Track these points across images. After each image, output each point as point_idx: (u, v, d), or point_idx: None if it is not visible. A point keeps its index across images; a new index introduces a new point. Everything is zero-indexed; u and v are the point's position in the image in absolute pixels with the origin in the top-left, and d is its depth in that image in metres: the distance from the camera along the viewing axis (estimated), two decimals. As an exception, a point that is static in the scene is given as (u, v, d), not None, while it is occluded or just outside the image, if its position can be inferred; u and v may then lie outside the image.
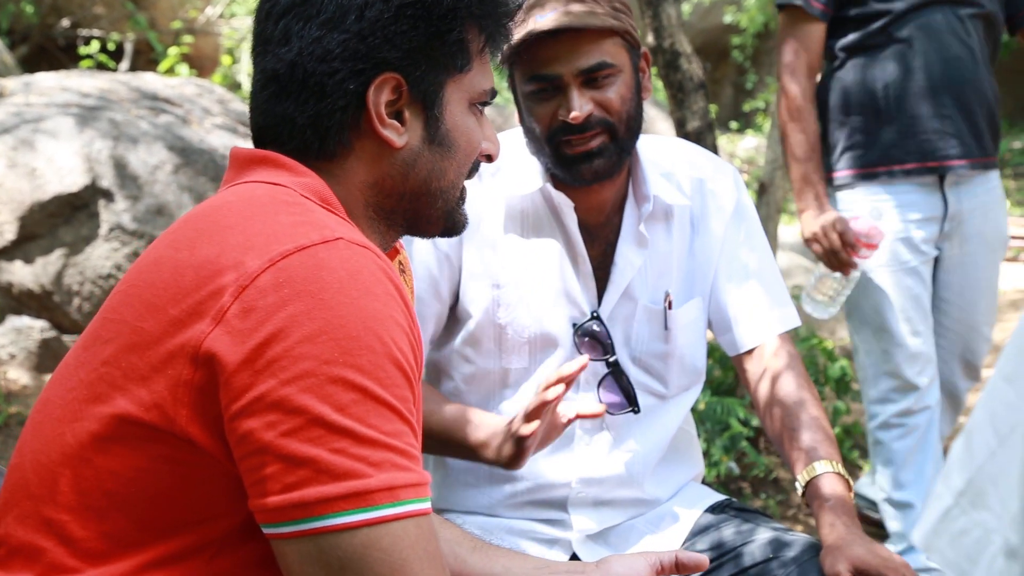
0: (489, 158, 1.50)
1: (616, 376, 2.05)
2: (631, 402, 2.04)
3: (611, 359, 2.04)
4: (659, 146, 2.16)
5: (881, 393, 3.33)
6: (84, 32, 8.35)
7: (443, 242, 2.04)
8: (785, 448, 2.04)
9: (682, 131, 3.70)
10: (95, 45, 7.39)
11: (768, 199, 4.29)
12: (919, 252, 3.25)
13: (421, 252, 2.05)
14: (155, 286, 1.24)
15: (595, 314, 2.04)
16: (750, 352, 2.15)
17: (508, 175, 2.07)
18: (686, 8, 12.59)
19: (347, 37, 1.32)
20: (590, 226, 2.08)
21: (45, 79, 5.53)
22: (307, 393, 1.14)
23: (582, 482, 2.08)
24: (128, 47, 8.64)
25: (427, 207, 1.44)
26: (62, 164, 4.75)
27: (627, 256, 2.07)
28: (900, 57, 3.18)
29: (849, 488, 1.94)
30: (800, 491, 1.97)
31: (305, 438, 1.14)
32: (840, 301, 3.24)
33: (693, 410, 4.00)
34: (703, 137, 3.68)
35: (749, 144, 12.73)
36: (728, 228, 2.14)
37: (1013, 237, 8.70)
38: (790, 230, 10.11)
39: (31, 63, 8.36)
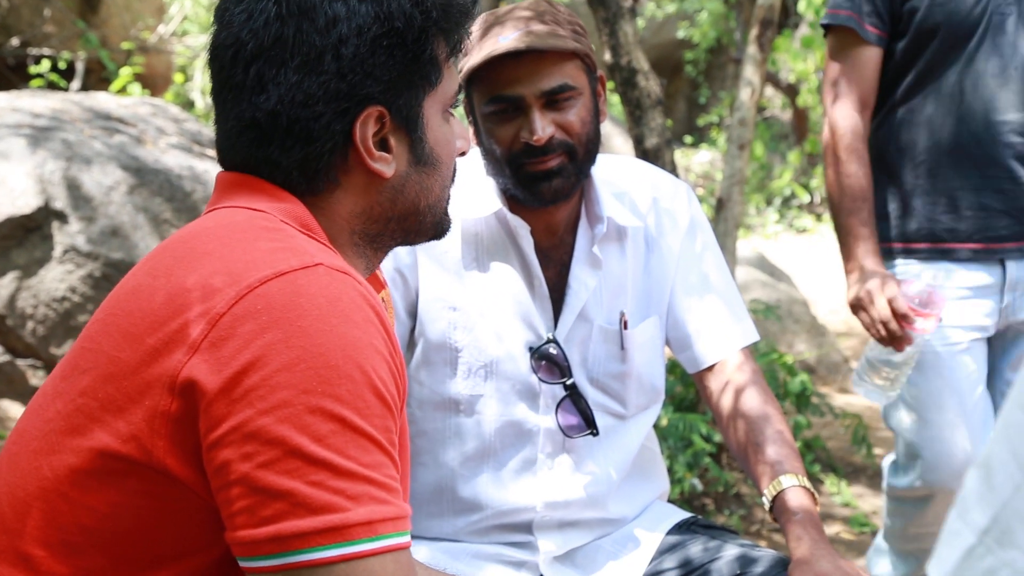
0: (463, 153, 1.50)
1: (574, 399, 2.04)
2: (589, 424, 2.04)
3: (568, 382, 2.04)
4: (612, 166, 2.16)
5: (905, 483, 2.85)
6: (34, 51, 8.24)
7: (400, 260, 2.03)
8: (750, 463, 2.04)
9: (640, 148, 3.71)
10: (45, 64, 7.30)
11: (726, 215, 4.31)
12: (973, 329, 2.73)
13: (383, 268, 2.04)
14: (132, 315, 1.22)
15: (551, 337, 2.03)
16: (711, 368, 2.15)
17: (463, 198, 2.05)
18: (639, 24, 12.65)
19: (327, 79, 1.30)
20: (544, 248, 2.07)
21: (-5, 100, 5.46)
22: (284, 423, 1.12)
23: (547, 506, 2.07)
24: (79, 66, 8.55)
25: (416, 224, 1.43)
26: (14, 186, 4.68)
27: (581, 278, 2.06)
28: (949, 108, 2.69)
29: (815, 502, 1.94)
30: (767, 505, 1.97)
31: (282, 470, 1.12)
32: (900, 383, 2.64)
33: (655, 427, 4.01)
34: (661, 153, 3.69)
35: (703, 159, 12.80)
36: (683, 245, 2.14)
37: None
38: (747, 243, 10.19)
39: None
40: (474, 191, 2.06)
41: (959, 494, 0.77)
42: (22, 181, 4.69)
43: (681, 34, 12.80)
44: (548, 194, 1.98)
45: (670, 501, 4.00)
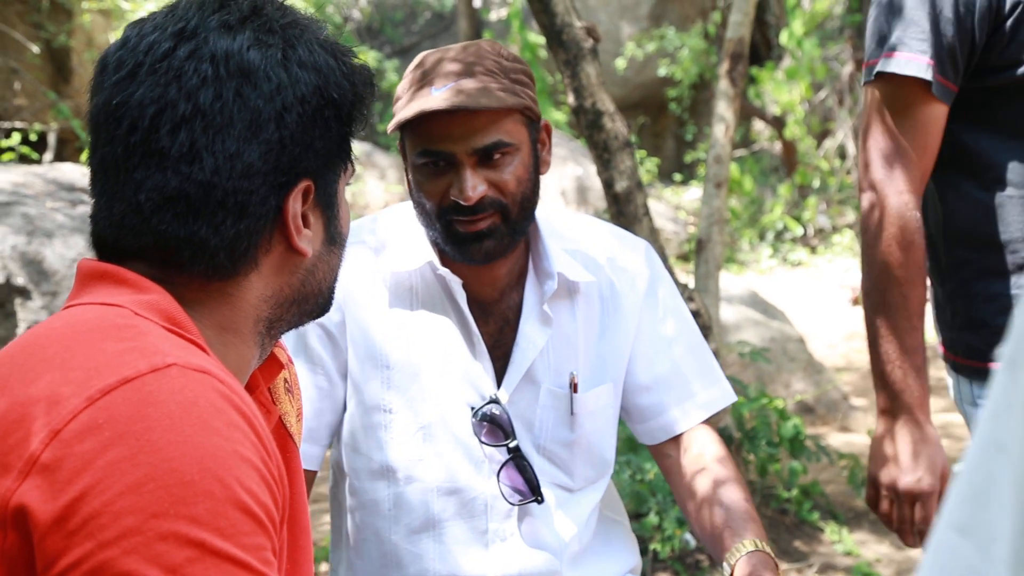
0: None
1: (517, 463, 1.90)
2: (534, 491, 1.89)
3: (512, 444, 1.89)
4: (564, 221, 2.03)
5: None
6: (6, 125, 8.15)
7: (328, 317, 1.88)
8: (715, 543, 1.89)
9: (610, 192, 3.55)
10: (16, 137, 7.19)
11: (706, 256, 4.15)
12: None
13: (306, 335, 1.91)
14: None
15: (494, 397, 1.89)
16: (672, 440, 2.02)
17: (395, 250, 1.94)
18: (620, 63, 12.59)
19: (268, 149, 1.17)
20: (483, 302, 1.94)
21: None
22: (132, 555, 0.96)
23: None
24: (52, 137, 8.46)
25: (312, 306, 1.31)
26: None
27: (529, 336, 1.93)
28: None
29: (776, 568, 1.80)
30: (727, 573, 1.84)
31: None
32: None
33: (642, 482, 3.83)
34: (632, 197, 3.54)
35: (694, 195, 12.67)
36: (643, 310, 2.00)
37: None
38: (741, 280, 10.04)
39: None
40: (406, 242, 1.94)
41: None
42: (-19, 259, 4.56)
43: (663, 72, 12.72)
44: (478, 255, 1.86)
45: (660, 560, 3.87)
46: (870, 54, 2.07)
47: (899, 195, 2.00)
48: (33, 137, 8.03)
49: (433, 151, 1.83)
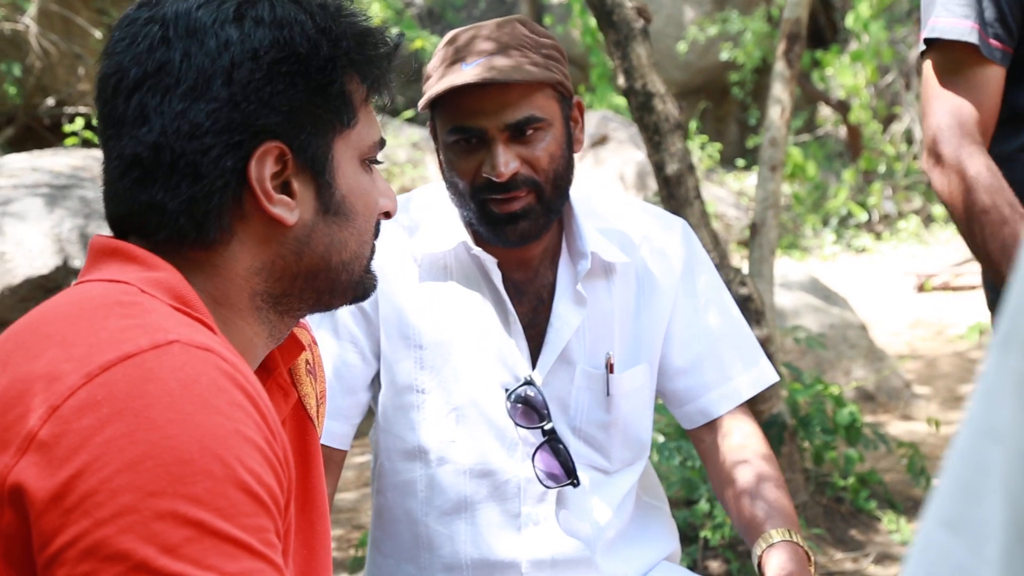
0: (387, 215, 1.32)
1: (552, 445, 1.86)
2: (570, 474, 1.85)
3: (547, 426, 1.85)
4: (599, 201, 1.99)
5: None
6: (70, 110, 8.24)
7: None
8: (750, 526, 1.85)
9: (661, 175, 3.50)
10: (80, 122, 7.26)
11: (760, 240, 4.08)
12: None
13: (340, 311, 1.87)
14: None
15: (528, 378, 1.85)
16: (709, 424, 1.98)
17: (429, 230, 1.91)
18: (682, 47, 12.47)
19: (216, 107, 1.13)
20: (517, 282, 1.91)
21: (16, 160, 5.40)
22: (128, 533, 0.94)
23: (532, 564, 1.90)
24: (115, 122, 8.52)
25: (328, 282, 1.25)
26: (31, 246, 4.61)
27: (563, 316, 1.89)
28: None
29: (809, 560, 1.75)
30: (755, 563, 1.79)
31: None
32: None
33: (693, 468, 3.78)
34: (684, 180, 3.49)
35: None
36: (679, 290, 1.96)
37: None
38: (803, 266, 9.91)
39: (18, 144, 8.25)
40: (439, 222, 1.91)
41: None
42: (39, 241, 4.62)
43: (724, 55, 12.58)
44: (514, 236, 1.83)
45: (710, 548, 3.82)
46: (923, 28, 2.06)
47: (970, 160, 1.97)
48: (96, 122, 8.11)
49: (464, 127, 1.80)
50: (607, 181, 9.56)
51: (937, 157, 2.01)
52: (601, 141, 10.12)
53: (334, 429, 1.88)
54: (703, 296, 1.98)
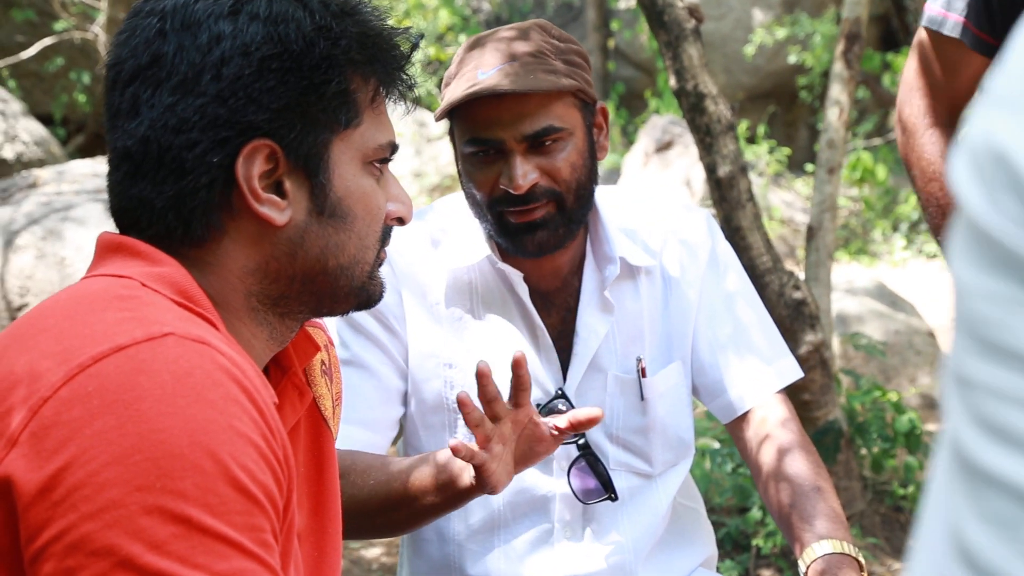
0: (400, 221, 1.29)
1: (588, 460, 1.80)
2: (607, 488, 1.80)
3: (580, 441, 1.80)
4: (619, 199, 1.95)
5: None
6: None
7: (390, 309, 1.83)
8: (794, 529, 1.78)
9: (713, 177, 3.46)
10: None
11: (817, 244, 4.01)
12: None
13: (366, 322, 1.84)
14: None
15: (560, 391, 1.81)
16: (743, 416, 1.91)
17: (453, 243, 1.86)
18: (749, 51, 12.35)
19: (204, 101, 1.12)
20: (544, 292, 1.87)
21: (79, 166, 5.49)
22: (114, 529, 0.93)
23: None
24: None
25: (327, 287, 1.23)
26: (91, 252, 4.66)
27: (590, 324, 1.85)
28: None
29: (861, 570, 1.68)
30: (802, 572, 1.73)
31: None
32: None
33: (743, 475, 3.72)
34: (736, 182, 3.43)
35: (826, 185, 12.37)
36: (705, 280, 1.91)
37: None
38: (870, 272, 9.76)
39: (88, 151, 8.38)
40: (462, 236, 1.87)
41: None
42: (100, 246, 4.68)
43: (792, 59, 12.44)
44: (532, 247, 1.78)
45: (763, 556, 3.75)
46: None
47: (927, 130, 2.09)
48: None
49: (481, 139, 1.76)
50: (673, 186, 9.49)
51: (898, 118, 2.15)
52: (667, 146, 10.05)
53: (370, 440, 1.83)
54: (728, 287, 1.94)
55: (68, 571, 0.93)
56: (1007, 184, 0.47)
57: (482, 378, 1.52)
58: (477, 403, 1.81)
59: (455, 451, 1.52)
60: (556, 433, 1.61)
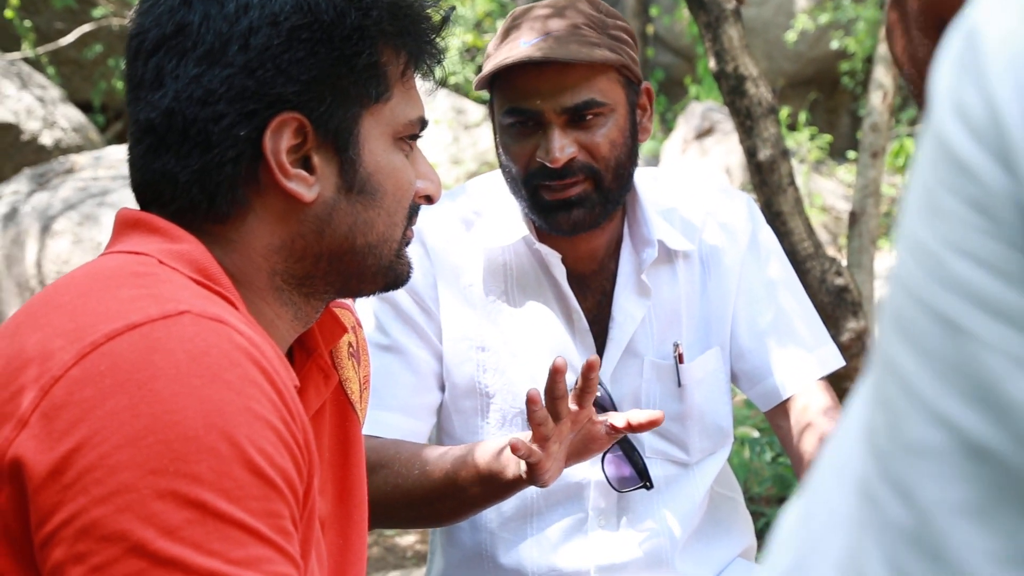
0: (429, 199, 1.25)
1: (624, 447, 1.76)
2: (642, 476, 1.75)
3: None
4: (658, 181, 1.89)
5: None
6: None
7: (423, 291, 1.79)
8: None
9: (753, 160, 3.40)
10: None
11: (860, 229, 3.94)
12: None
13: (402, 300, 1.80)
14: None
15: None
16: (784, 404, 1.85)
17: (487, 224, 1.82)
18: (791, 36, 12.22)
19: (231, 72, 1.08)
20: (582, 275, 1.82)
21: (115, 152, 5.49)
22: (126, 513, 0.90)
23: (601, 570, 1.81)
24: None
25: (355, 266, 1.18)
26: (127, 236, 4.67)
27: (626, 308, 1.80)
28: None
29: None
30: None
31: (121, 574, 0.89)
32: None
33: (783, 464, 3.67)
34: (776, 166, 3.37)
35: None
36: (745, 265, 1.86)
37: None
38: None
39: (126, 138, 8.40)
40: (498, 215, 1.82)
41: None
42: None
43: (835, 45, 12.30)
44: (566, 225, 1.73)
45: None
46: None
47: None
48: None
49: (520, 109, 1.71)
50: (712, 172, 9.42)
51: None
52: (707, 132, 9.98)
53: (410, 427, 1.79)
54: (768, 271, 1.88)
55: (78, 556, 0.89)
56: (971, 64, 0.45)
57: (532, 404, 1.49)
58: (504, 389, 1.78)
59: (514, 449, 1.49)
60: (611, 432, 1.58)
